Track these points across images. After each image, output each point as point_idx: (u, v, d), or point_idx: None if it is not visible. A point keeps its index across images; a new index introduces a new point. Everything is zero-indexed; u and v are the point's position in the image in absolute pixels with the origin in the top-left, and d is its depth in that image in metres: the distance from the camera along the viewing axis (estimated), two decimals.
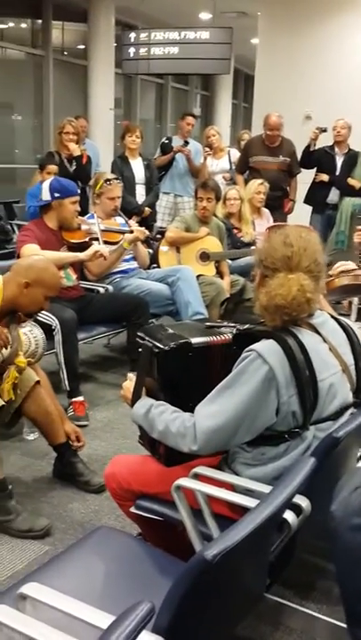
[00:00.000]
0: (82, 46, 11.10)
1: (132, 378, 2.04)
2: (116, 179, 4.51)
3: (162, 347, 1.94)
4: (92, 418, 3.69)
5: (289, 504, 1.59)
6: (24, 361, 2.76)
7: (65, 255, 3.82)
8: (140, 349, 2.00)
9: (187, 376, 2.00)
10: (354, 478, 1.19)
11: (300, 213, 6.35)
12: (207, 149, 6.63)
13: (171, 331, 2.05)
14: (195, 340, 1.99)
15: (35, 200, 5.31)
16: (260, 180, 5.64)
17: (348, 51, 7.66)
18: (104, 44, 10.39)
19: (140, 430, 2.04)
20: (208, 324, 2.21)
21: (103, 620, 1.21)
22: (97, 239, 4.10)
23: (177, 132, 6.90)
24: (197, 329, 2.13)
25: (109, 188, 4.38)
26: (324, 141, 6.39)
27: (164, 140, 6.82)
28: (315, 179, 6.37)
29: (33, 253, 3.45)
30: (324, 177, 6.22)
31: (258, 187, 5.57)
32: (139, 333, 2.05)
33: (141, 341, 2.00)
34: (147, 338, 1.99)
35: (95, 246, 3.91)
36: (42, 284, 2.68)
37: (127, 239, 4.28)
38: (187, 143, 6.53)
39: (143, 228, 4.46)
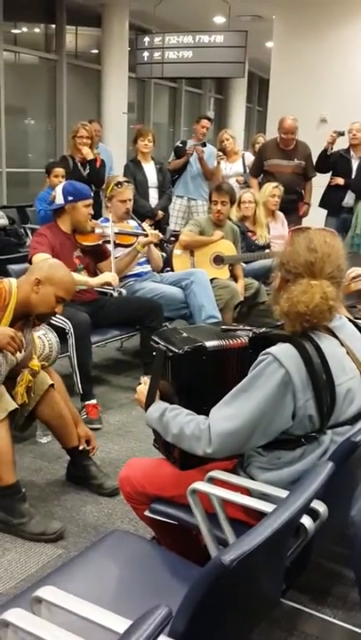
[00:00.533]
0: (95, 50, 11.13)
1: (146, 381, 2.03)
2: (127, 181, 4.51)
3: (176, 350, 1.93)
4: (106, 421, 3.69)
5: (306, 509, 1.58)
6: (38, 364, 2.76)
7: (76, 277, 3.79)
8: (154, 353, 1.99)
9: (201, 379, 1.98)
10: None
11: (315, 217, 6.32)
12: (220, 154, 6.62)
13: (185, 334, 2.04)
14: (209, 344, 1.98)
15: (44, 204, 5.35)
16: (274, 184, 5.61)
17: None
18: (118, 48, 10.42)
19: (155, 434, 2.03)
20: (224, 327, 2.20)
21: (120, 624, 1.20)
22: (110, 242, 4.10)
23: (192, 136, 6.89)
24: (213, 332, 2.11)
25: (120, 191, 4.38)
26: (340, 145, 6.35)
27: (178, 143, 6.82)
28: (330, 182, 6.33)
29: None
30: (340, 180, 6.19)
31: (272, 190, 5.55)
32: (153, 337, 2.04)
33: (155, 345, 1.99)
34: (161, 341, 1.98)
35: (107, 276, 3.89)
36: (52, 282, 2.67)
37: (141, 242, 4.27)
38: (204, 144, 6.52)
39: (157, 232, 4.45)
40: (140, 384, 2.07)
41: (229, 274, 4.90)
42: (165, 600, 1.13)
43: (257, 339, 1.97)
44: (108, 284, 3.87)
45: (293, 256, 1.84)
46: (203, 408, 1.84)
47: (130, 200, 4.44)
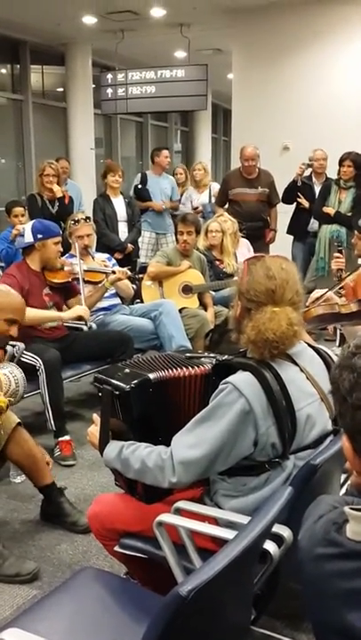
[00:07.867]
0: (61, 89, 11.27)
1: (96, 420, 2.04)
2: (85, 219, 4.56)
3: (123, 386, 1.94)
4: (80, 457, 3.66)
5: (269, 534, 1.59)
6: (5, 401, 2.74)
7: (49, 314, 3.84)
8: (99, 394, 2.00)
9: (152, 411, 2.00)
10: (319, 506, 1.18)
11: (282, 243, 6.40)
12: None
13: (127, 370, 2.05)
14: (153, 375, 1.99)
15: (5, 243, 5.40)
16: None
17: (319, 81, 7.82)
18: (82, 85, 10.56)
19: (114, 473, 2.04)
20: (188, 354, 2.23)
21: None
22: (78, 279, 4.13)
23: (151, 168, 6.98)
24: (164, 362, 2.12)
25: (76, 228, 4.45)
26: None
27: (137, 183, 6.85)
28: (297, 207, 6.42)
29: None
30: (305, 202, 6.26)
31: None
32: (96, 376, 2.06)
33: (100, 386, 2.00)
34: (106, 380, 1.99)
35: (79, 309, 3.92)
36: (0, 307, 2.68)
37: (110, 280, 4.30)
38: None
39: (125, 269, 4.48)
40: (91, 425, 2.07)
41: (199, 302, 4.94)
42: (133, 636, 1.13)
43: (220, 366, 2.00)
44: (81, 317, 3.88)
45: (253, 285, 1.88)
46: (159, 439, 1.85)
47: (88, 236, 4.49)
